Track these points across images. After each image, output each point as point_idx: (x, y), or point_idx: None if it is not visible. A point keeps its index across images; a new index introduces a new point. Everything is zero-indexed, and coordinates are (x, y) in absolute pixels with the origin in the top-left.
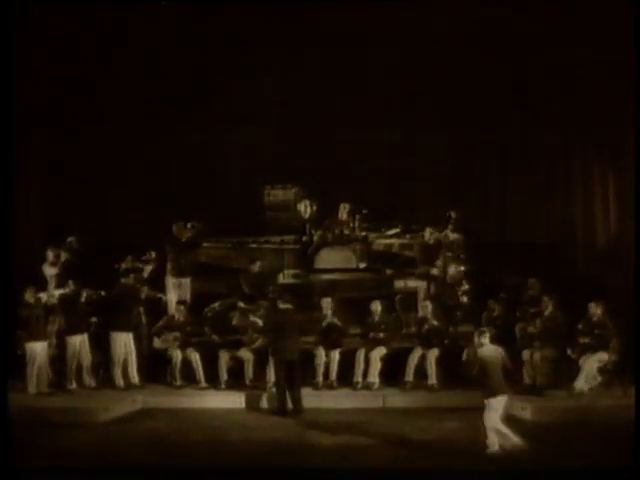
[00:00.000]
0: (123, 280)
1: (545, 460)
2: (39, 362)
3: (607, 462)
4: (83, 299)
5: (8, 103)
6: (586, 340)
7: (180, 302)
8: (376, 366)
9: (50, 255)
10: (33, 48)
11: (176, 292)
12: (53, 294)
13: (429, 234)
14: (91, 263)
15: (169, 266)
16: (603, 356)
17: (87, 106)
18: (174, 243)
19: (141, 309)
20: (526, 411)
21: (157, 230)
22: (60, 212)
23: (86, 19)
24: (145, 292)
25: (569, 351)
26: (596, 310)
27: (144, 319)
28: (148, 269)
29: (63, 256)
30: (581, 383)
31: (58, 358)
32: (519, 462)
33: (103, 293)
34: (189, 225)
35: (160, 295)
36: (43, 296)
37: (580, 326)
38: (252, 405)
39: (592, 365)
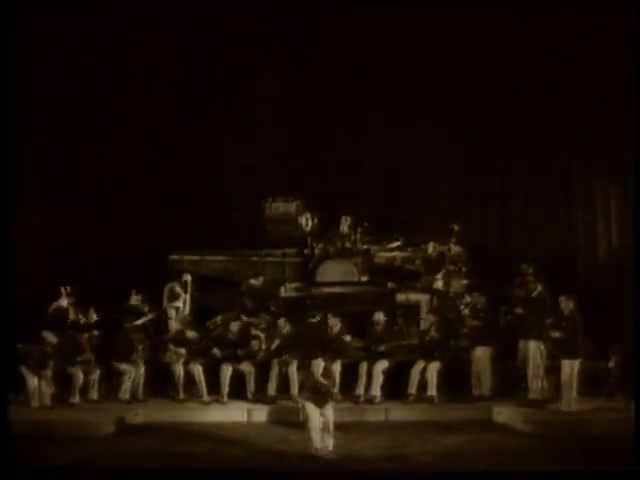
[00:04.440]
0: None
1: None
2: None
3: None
4: (84, 342)
5: (9, 112)
6: (556, 334)
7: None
8: (378, 379)
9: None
10: (32, 55)
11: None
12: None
13: (432, 248)
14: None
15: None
16: (574, 363)
17: (86, 115)
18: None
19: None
20: (527, 425)
21: (157, 242)
22: (61, 224)
23: (86, 23)
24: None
25: (542, 346)
26: (567, 304)
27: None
28: (148, 316)
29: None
30: (565, 403)
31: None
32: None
33: (96, 333)
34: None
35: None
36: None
37: (549, 320)
38: (276, 418)
39: (569, 376)
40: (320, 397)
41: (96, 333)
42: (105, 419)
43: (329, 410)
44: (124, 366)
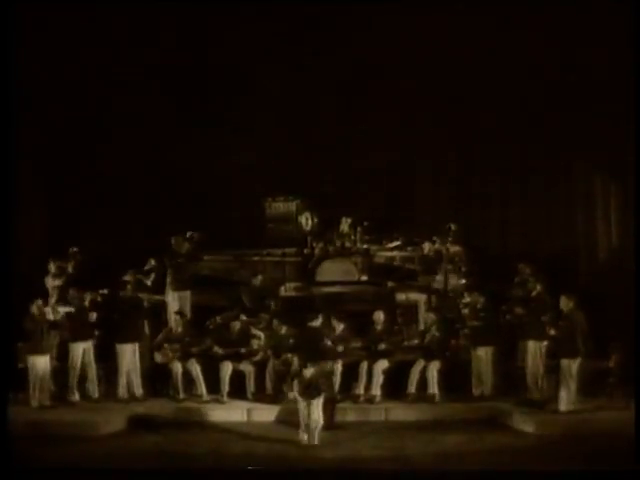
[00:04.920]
0: (123, 293)
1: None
2: (41, 374)
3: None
4: (87, 303)
5: (9, 112)
6: (552, 332)
7: (178, 313)
8: (378, 379)
9: (52, 267)
10: (32, 55)
11: (176, 305)
12: (58, 310)
13: (428, 248)
14: (92, 274)
15: (169, 279)
16: (573, 362)
17: (86, 115)
18: (173, 256)
19: (145, 321)
20: (528, 424)
21: (158, 242)
22: (61, 224)
23: (86, 23)
24: (147, 298)
25: (541, 345)
26: (567, 304)
27: (147, 330)
28: (151, 277)
29: (70, 267)
30: (564, 403)
31: (60, 370)
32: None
33: (106, 291)
34: (188, 235)
35: (162, 299)
36: (48, 310)
37: (546, 317)
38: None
39: (568, 375)
40: (309, 391)
41: (95, 316)
42: (104, 418)
43: (317, 406)
44: (126, 347)
